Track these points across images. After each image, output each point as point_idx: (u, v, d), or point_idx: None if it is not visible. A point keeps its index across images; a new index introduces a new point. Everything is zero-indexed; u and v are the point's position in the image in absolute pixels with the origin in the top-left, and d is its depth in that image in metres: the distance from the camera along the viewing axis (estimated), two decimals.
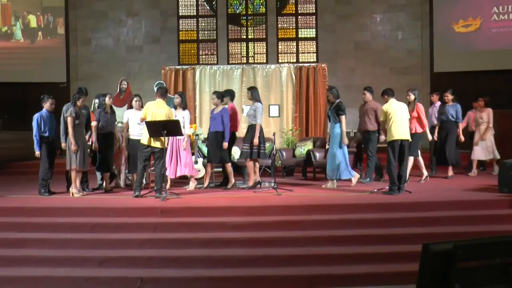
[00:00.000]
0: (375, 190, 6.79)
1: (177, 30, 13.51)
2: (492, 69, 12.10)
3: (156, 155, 6.57)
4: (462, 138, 8.27)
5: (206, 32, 13.60)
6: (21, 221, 5.77)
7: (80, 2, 13.29)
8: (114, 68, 12.98)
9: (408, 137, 6.66)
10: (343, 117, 7.14)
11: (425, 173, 7.85)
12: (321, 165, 8.44)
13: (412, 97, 7.70)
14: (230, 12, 13.63)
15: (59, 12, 13.20)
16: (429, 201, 6.14)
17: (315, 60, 13.07)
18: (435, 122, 8.62)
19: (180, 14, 13.56)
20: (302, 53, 13.52)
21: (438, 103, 8.70)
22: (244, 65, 11.01)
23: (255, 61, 13.25)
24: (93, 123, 7.11)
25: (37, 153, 6.88)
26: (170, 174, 7.02)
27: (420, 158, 7.82)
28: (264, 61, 13.20)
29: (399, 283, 4.61)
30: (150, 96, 7.05)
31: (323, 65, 10.49)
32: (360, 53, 13.10)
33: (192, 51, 13.57)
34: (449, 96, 8.23)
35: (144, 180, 7.11)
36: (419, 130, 7.62)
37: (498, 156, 8.62)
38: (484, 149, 8.62)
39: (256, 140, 7.12)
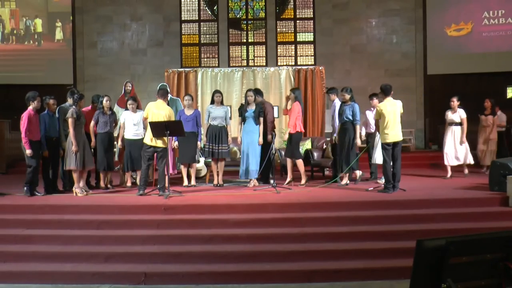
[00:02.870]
0: (371, 189, 6.93)
1: (180, 34, 13.69)
2: (482, 72, 12.27)
3: (159, 155, 6.68)
4: (358, 141, 7.33)
5: (207, 36, 13.78)
6: (29, 218, 5.83)
7: (86, 7, 13.45)
8: (119, 71, 13.15)
9: (401, 138, 6.77)
10: (262, 119, 7.37)
11: (289, 178, 7.49)
12: (318, 165, 8.65)
13: (292, 95, 7.47)
14: (231, 16, 13.81)
15: (66, 16, 13.38)
16: (423, 199, 6.21)
17: (313, 63, 13.24)
18: None
19: (183, 18, 13.74)
20: (300, 56, 13.69)
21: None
22: (245, 68, 11.07)
23: (255, 64, 13.41)
24: (91, 124, 7.21)
25: (45, 152, 6.94)
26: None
27: (301, 161, 7.47)
28: (264, 64, 13.35)
29: (394, 277, 4.70)
30: (154, 97, 7.24)
31: (320, 68, 10.55)
32: (356, 56, 13.28)
33: (194, 54, 13.76)
34: (345, 96, 7.37)
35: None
36: (299, 129, 7.31)
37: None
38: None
39: (231, 139, 7.48)
